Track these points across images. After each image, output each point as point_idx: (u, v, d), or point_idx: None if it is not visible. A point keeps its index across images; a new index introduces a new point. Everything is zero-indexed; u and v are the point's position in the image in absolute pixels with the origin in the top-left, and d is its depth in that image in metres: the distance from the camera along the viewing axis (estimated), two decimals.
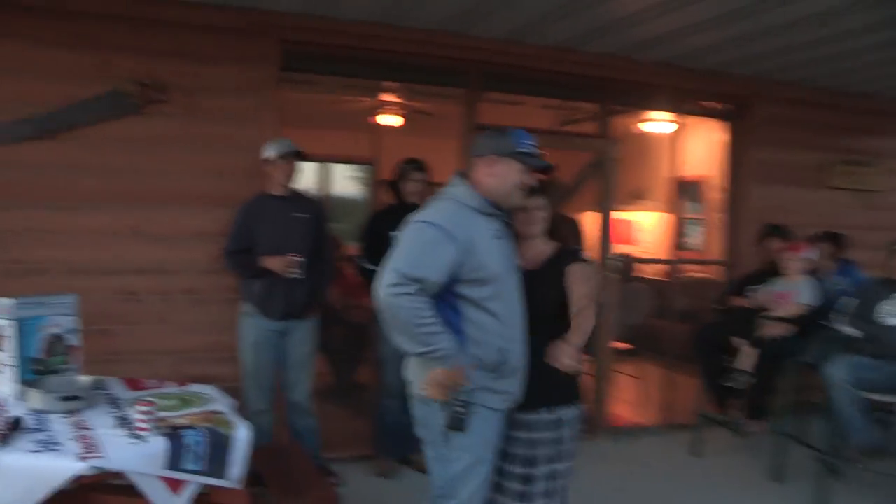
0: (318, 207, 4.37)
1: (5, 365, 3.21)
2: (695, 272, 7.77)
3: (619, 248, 8.47)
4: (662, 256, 8.78)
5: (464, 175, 2.77)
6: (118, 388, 3.38)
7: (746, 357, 4.62)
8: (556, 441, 2.91)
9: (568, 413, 2.94)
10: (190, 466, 2.78)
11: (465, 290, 2.58)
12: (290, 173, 4.11)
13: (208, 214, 4.27)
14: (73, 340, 3.37)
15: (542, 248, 3.03)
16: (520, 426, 2.86)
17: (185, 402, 3.22)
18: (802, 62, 5.09)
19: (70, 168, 4.08)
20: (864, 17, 4.07)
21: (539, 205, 2.97)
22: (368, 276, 4.41)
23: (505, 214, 2.76)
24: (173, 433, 2.79)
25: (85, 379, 3.21)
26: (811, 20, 4.12)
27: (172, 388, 3.41)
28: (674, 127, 7.76)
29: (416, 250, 2.52)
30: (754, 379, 4.60)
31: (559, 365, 2.81)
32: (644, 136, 7.84)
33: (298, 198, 4.23)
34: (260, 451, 3.78)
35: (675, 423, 5.48)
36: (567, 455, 2.96)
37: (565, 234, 3.21)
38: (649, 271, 8.26)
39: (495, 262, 2.61)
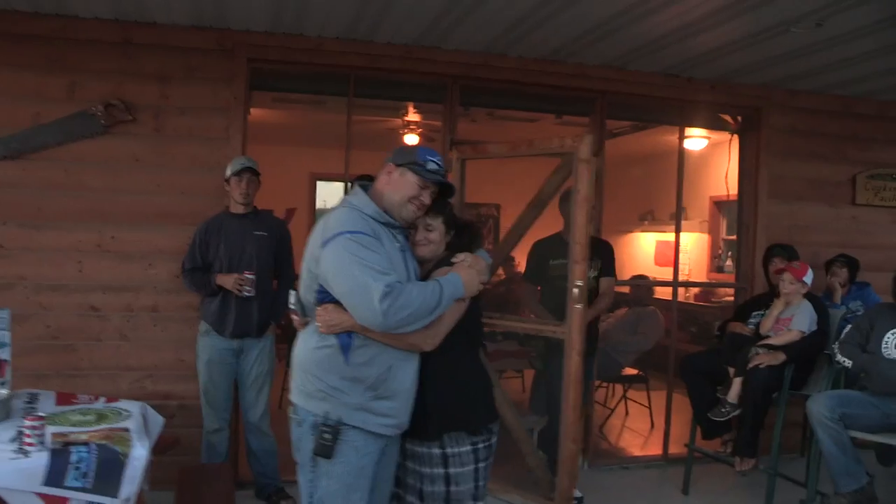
0: (278, 225, 4.35)
1: None
2: (729, 296, 7.36)
3: (647, 271, 8.30)
4: (700, 279, 8.40)
5: (365, 185, 2.65)
6: (47, 402, 3.42)
7: (734, 388, 4.28)
8: (445, 478, 2.66)
9: (458, 448, 2.67)
10: (74, 483, 2.75)
11: None
12: (245, 191, 4.09)
13: (173, 233, 4.30)
14: (5, 354, 3.43)
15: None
16: (410, 456, 2.70)
17: (101, 417, 3.21)
18: (817, 67, 4.75)
19: (38, 187, 4.20)
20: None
21: (426, 225, 2.71)
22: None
23: (401, 226, 2.62)
24: (60, 449, 2.78)
25: (2, 392, 3.25)
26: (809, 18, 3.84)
27: (98, 404, 3.41)
28: (704, 143, 7.42)
29: (362, 263, 2.34)
30: (739, 411, 4.26)
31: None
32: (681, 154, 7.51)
33: (258, 216, 4.22)
34: (189, 471, 3.78)
35: (675, 454, 5.14)
36: (464, 496, 2.69)
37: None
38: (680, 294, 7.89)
39: (400, 274, 2.46)
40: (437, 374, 2.65)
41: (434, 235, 2.73)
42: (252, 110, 6.81)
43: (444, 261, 2.69)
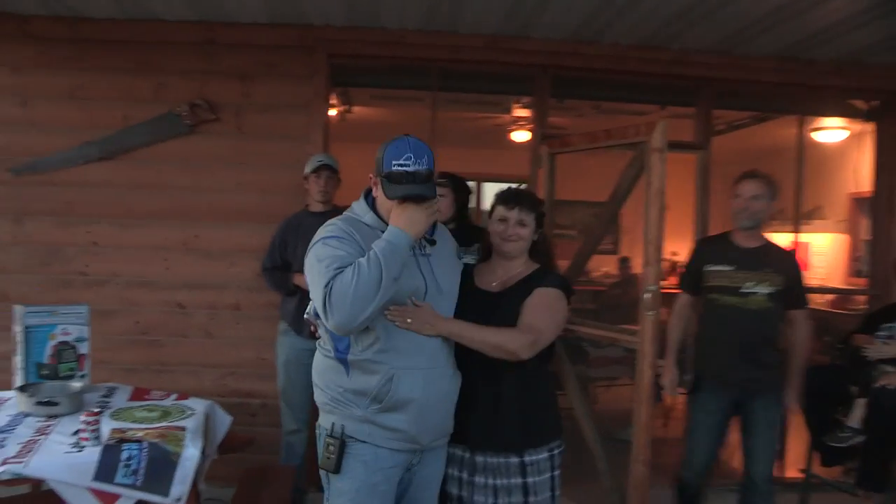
0: None
1: (18, 368, 3.45)
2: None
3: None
4: (837, 283, 7.67)
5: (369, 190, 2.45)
6: (121, 397, 3.48)
7: (856, 410, 3.80)
8: (523, 487, 2.54)
9: (536, 455, 2.56)
10: (123, 480, 2.74)
11: None
12: (323, 188, 4.04)
13: (254, 231, 4.31)
14: (84, 348, 3.53)
15: (517, 270, 2.68)
16: (480, 470, 2.54)
17: (165, 415, 3.22)
18: None
19: (127, 187, 4.34)
20: None
21: (519, 219, 2.60)
22: None
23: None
24: (113, 445, 2.78)
25: (75, 385, 3.32)
26: None
27: (167, 401, 3.43)
28: (842, 135, 6.76)
29: (326, 259, 2.22)
30: (863, 438, 3.77)
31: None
32: (819, 148, 6.90)
33: (338, 214, 4.15)
34: (252, 471, 3.74)
35: (792, 479, 4.64)
36: None
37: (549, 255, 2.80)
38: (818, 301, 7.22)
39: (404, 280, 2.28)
40: (518, 385, 2.55)
41: (525, 232, 2.61)
42: (354, 108, 6.94)
43: None
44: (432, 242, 2.41)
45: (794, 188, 4.87)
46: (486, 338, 2.41)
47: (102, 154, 4.30)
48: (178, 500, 2.81)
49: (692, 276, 3.67)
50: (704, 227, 4.65)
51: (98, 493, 2.70)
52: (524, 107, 6.67)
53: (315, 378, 2.50)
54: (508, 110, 6.99)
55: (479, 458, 2.55)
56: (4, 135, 4.29)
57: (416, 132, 4.64)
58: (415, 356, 2.33)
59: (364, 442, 2.33)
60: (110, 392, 3.54)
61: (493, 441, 2.53)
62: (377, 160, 2.32)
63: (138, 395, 3.54)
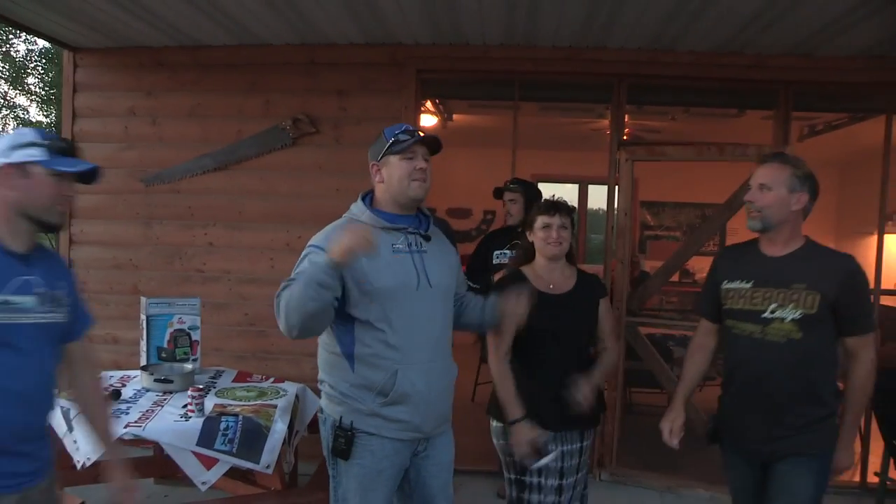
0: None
1: (142, 351, 4.01)
2: None
3: None
4: None
5: (368, 192, 2.67)
6: (227, 378, 3.98)
7: None
8: (580, 450, 3.02)
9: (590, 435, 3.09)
10: (221, 447, 3.20)
11: (354, 309, 2.45)
12: None
13: None
14: (196, 335, 4.05)
15: (565, 273, 3.00)
16: (551, 440, 2.89)
17: (261, 394, 3.67)
18: None
19: (238, 193, 4.85)
20: None
21: (561, 224, 2.93)
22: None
23: (415, 226, 2.59)
24: (214, 417, 3.25)
25: (187, 367, 3.83)
26: None
27: (265, 383, 3.89)
28: None
29: (295, 270, 2.45)
30: None
31: (576, 401, 2.82)
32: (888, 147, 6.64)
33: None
34: None
35: (874, 483, 4.59)
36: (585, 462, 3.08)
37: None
38: None
39: (385, 276, 2.45)
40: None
41: (567, 234, 2.96)
42: (456, 116, 7.29)
43: None
44: (427, 238, 2.59)
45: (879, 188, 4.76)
46: (610, 367, 3.08)
47: (217, 165, 4.85)
48: (268, 466, 3.24)
49: (709, 295, 2.83)
50: None
51: (200, 457, 3.17)
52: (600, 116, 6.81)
53: (322, 375, 2.62)
54: (604, 115, 7.13)
55: (550, 432, 2.90)
56: (138, 150, 4.92)
57: (508, 137, 4.92)
58: (416, 352, 2.49)
59: (372, 434, 2.50)
60: (218, 374, 4.04)
61: (570, 417, 2.88)
62: (377, 147, 2.54)
63: (241, 377, 4.03)
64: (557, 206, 2.93)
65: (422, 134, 2.53)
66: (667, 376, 4.75)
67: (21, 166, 1.97)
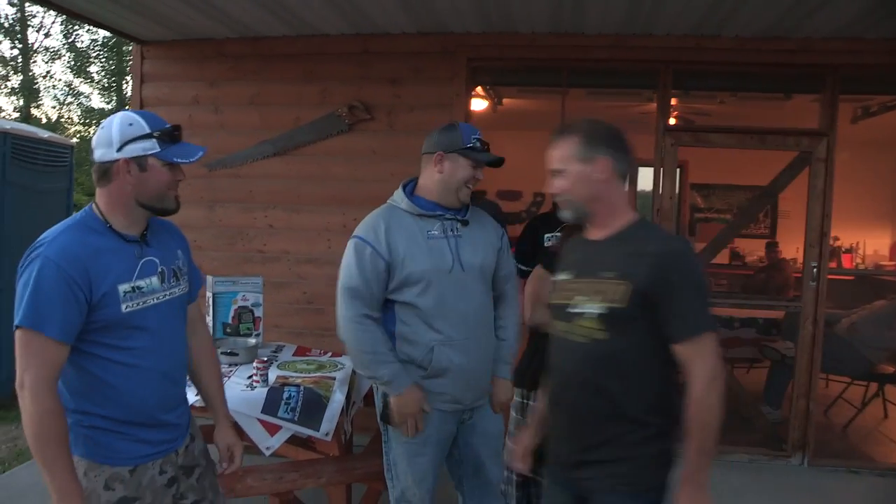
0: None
1: (209, 326, 4.26)
2: None
3: None
4: None
5: (410, 181, 2.89)
6: (287, 352, 4.22)
7: None
8: None
9: None
10: (284, 415, 3.43)
11: (394, 291, 2.70)
12: None
13: None
14: (258, 312, 4.29)
15: None
16: None
17: (320, 367, 3.90)
18: None
19: (297, 178, 5.09)
20: None
21: None
22: (521, 274, 4.73)
23: (452, 213, 2.77)
24: (277, 388, 3.48)
25: (251, 341, 4.07)
26: None
27: (324, 357, 4.12)
28: None
29: (349, 264, 2.72)
30: None
31: None
32: None
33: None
34: None
35: None
36: None
37: None
38: None
39: (423, 261, 2.66)
40: None
41: None
42: (506, 100, 7.42)
43: None
44: (465, 223, 2.78)
45: None
46: None
47: (276, 150, 5.09)
48: (327, 434, 3.46)
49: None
50: (825, 213, 4.73)
51: (265, 424, 3.40)
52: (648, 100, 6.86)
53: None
54: (652, 99, 7.17)
55: None
56: (202, 137, 5.13)
57: (557, 121, 5.06)
58: (452, 329, 2.69)
59: None
60: (279, 349, 4.28)
61: None
62: (448, 139, 2.72)
63: (301, 351, 4.26)
64: None
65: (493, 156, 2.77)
66: None
67: (139, 160, 2.06)
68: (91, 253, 1.99)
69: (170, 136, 2.10)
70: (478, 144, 2.73)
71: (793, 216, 10.14)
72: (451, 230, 2.75)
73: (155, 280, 2.14)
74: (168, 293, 2.18)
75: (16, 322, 1.93)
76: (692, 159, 10.06)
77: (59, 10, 4.77)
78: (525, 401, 3.05)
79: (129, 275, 2.06)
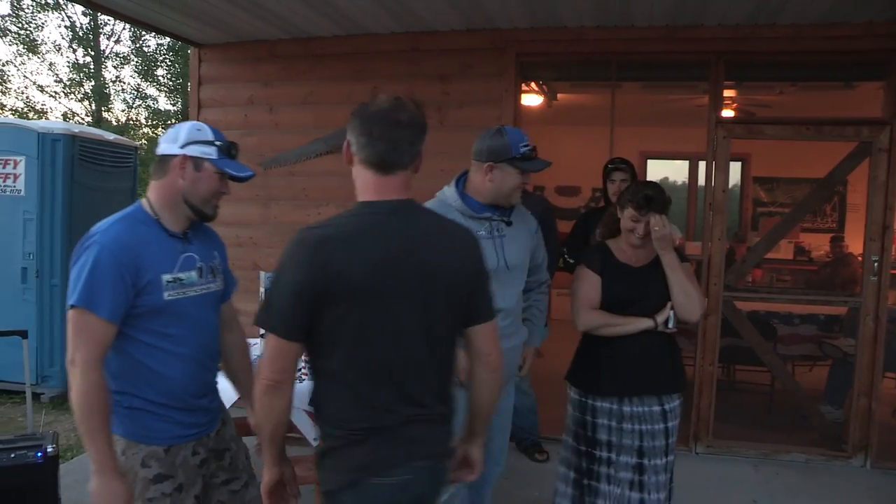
0: (539, 203, 4.72)
1: None
2: None
3: None
4: None
5: (464, 176, 2.95)
6: None
7: None
8: (665, 432, 3.00)
9: (673, 403, 3.04)
10: None
11: None
12: None
13: None
14: None
15: (650, 248, 3.04)
16: (628, 418, 2.97)
17: None
18: None
19: (348, 176, 5.08)
20: None
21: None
22: (570, 269, 4.71)
23: (498, 214, 2.84)
24: None
25: None
26: None
27: None
28: None
29: None
30: None
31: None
32: None
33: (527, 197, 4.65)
34: None
35: None
36: (671, 448, 3.05)
37: None
38: None
39: None
40: (663, 346, 3.00)
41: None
42: (560, 95, 7.39)
43: None
44: (509, 223, 2.86)
45: None
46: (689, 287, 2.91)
47: (329, 148, 5.18)
48: None
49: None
50: (888, 206, 4.56)
51: (312, 416, 3.48)
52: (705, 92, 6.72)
53: None
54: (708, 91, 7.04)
55: (627, 409, 2.98)
56: (257, 136, 5.31)
57: (605, 114, 5.00)
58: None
59: None
60: None
61: (640, 390, 2.96)
62: (497, 148, 2.76)
63: None
64: (650, 206, 2.90)
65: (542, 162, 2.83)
66: (765, 351, 4.76)
67: (196, 160, 2.26)
68: (140, 242, 2.17)
69: (227, 151, 2.34)
70: (527, 152, 2.77)
71: (863, 209, 9.82)
72: (497, 230, 2.84)
73: (194, 274, 2.31)
74: (205, 287, 2.35)
75: (70, 302, 2.08)
76: (753, 152, 9.83)
77: (124, 18, 5.01)
78: (583, 399, 3.05)
79: (171, 266, 2.23)
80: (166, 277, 2.20)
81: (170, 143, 2.27)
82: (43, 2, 19.51)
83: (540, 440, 4.72)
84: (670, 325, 2.92)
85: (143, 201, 2.29)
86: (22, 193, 6.21)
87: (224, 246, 2.59)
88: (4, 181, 6.24)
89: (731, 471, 4.54)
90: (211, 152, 2.29)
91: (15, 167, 6.21)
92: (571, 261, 4.59)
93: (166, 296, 2.20)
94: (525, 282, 3.04)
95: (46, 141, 6.19)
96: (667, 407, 3.01)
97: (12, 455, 3.37)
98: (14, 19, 19.45)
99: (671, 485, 3.09)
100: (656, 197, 2.93)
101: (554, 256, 4.31)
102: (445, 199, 2.89)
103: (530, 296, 3.14)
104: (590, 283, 3.00)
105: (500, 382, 2.07)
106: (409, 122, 2.00)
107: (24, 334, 4.17)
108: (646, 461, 2.97)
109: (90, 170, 6.50)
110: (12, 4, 19.48)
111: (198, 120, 5.42)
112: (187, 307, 2.25)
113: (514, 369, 3.03)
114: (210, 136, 2.30)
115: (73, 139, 6.32)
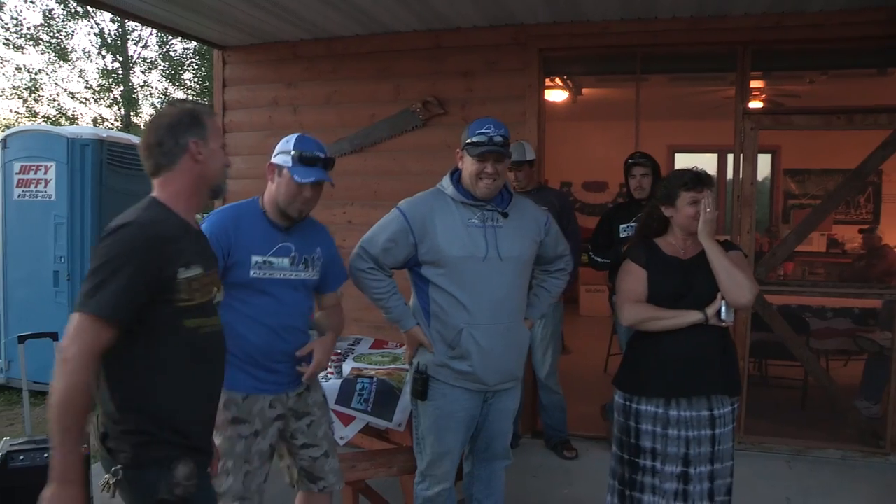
0: (558, 197, 4.70)
1: None
2: None
3: None
4: None
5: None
6: (364, 345, 4.31)
7: None
8: (711, 439, 2.85)
9: (724, 409, 2.88)
10: (357, 406, 3.51)
11: (425, 270, 2.86)
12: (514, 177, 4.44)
13: None
14: None
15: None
16: (674, 424, 2.84)
17: (394, 359, 3.97)
18: None
19: (373, 174, 5.17)
20: None
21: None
22: (596, 266, 4.67)
23: (493, 205, 2.82)
24: (350, 379, 3.56)
25: None
26: None
27: (399, 350, 4.19)
28: None
29: (377, 228, 2.92)
30: None
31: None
32: None
33: (540, 191, 4.60)
34: None
35: None
36: (725, 455, 2.90)
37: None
38: None
39: (456, 247, 2.76)
40: (715, 344, 2.85)
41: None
42: (585, 90, 7.34)
43: None
44: (505, 215, 2.84)
45: None
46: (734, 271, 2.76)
47: (353, 148, 5.20)
48: (399, 425, 3.53)
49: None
50: None
51: (339, 415, 3.50)
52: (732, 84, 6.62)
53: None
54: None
55: (673, 413, 2.83)
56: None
57: (631, 108, 4.96)
58: (480, 314, 2.79)
59: (441, 381, 2.88)
60: (356, 341, 4.38)
61: (697, 385, 2.82)
62: (463, 136, 2.86)
63: (377, 344, 4.34)
64: (705, 181, 2.83)
65: (497, 144, 2.77)
66: (798, 346, 4.67)
67: (279, 168, 2.63)
68: (237, 225, 2.61)
69: (302, 159, 2.62)
70: (482, 139, 2.77)
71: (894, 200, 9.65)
72: (491, 220, 2.84)
73: (286, 261, 2.66)
74: (294, 273, 2.68)
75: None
76: (784, 144, 9.69)
77: (150, 24, 5.05)
78: (628, 403, 2.94)
79: (264, 250, 2.61)
80: (256, 258, 2.59)
81: (276, 152, 2.67)
82: (73, 10, 19.79)
83: (569, 437, 4.68)
84: (723, 317, 2.76)
85: (259, 197, 2.71)
86: (53, 198, 6.35)
87: (332, 243, 2.90)
88: (36, 186, 6.37)
89: (765, 467, 4.46)
90: (287, 161, 2.61)
91: (45, 173, 6.34)
92: (600, 259, 4.55)
93: (252, 273, 2.58)
94: (533, 275, 3.07)
95: (76, 146, 6.32)
96: (716, 413, 2.83)
97: (45, 455, 3.42)
98: (46, 28, 19.76)
99: (728, 496, 2.94)
100: (702, 172, 2.86)
101: (576, 250, 4.30)
102: (441, 186, 2.95)
103: (545, 278, 3.16)
104: (635, 277, 2.89)
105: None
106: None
107: (55, 336, 4.23)
108: (691, 469, 2.83)
109: (119, 173, 6.58)
110: (44, 14, 19.83)
111: (223, 123, 5.47)
112: (273, 286, 2.62)
113: (514, 368, 2.96)
114: (290, 147, 2.64)
115: (101, 144, 6.43)
